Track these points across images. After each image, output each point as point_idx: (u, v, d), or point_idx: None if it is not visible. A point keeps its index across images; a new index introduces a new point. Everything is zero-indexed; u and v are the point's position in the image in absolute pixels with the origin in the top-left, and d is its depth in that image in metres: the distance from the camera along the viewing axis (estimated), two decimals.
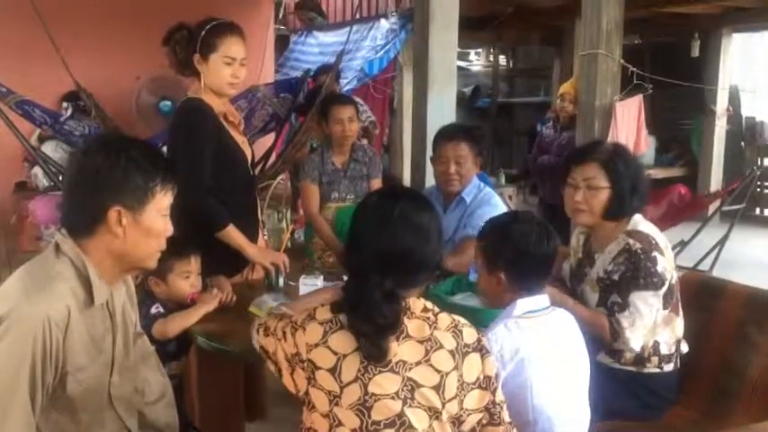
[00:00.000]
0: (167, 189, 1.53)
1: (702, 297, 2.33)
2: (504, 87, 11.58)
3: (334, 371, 1.34)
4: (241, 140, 2.56)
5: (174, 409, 1.78)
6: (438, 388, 1.34)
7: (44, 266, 1.45)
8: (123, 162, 1.46)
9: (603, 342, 2.11)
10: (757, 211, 8.14)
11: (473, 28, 7.47)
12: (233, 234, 2.40)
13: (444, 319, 1.42)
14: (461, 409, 1.38)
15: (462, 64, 10.94)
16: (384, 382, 1.33)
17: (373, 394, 1.32)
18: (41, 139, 4.65)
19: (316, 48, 7.39)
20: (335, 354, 1.35)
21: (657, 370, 2.13)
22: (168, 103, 4.87)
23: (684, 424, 2.15)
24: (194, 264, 2.26)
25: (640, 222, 2.16)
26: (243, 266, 2.60)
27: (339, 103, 3.42)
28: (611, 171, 2.12)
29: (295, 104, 4.75)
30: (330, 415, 1.35)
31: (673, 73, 5.64)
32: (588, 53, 3.89)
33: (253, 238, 2.53)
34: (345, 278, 1.54)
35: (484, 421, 1.42)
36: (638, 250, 2.06)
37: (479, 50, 12.19)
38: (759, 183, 7.51)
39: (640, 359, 2.11)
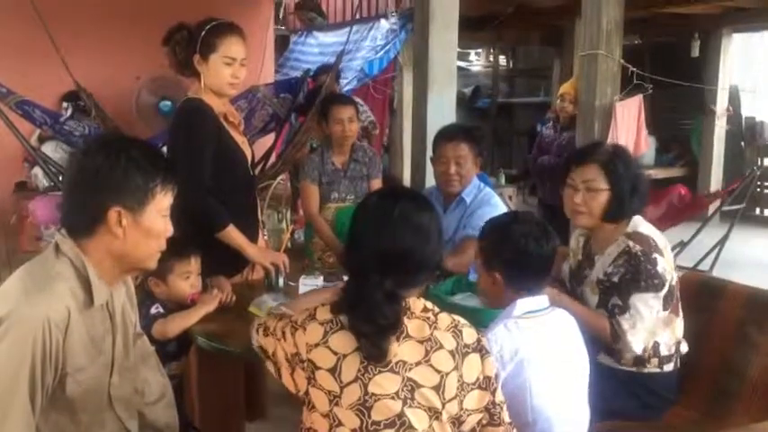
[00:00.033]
0: (167, 189, 1.53)
1: (702, 297, 2.33)
2: (504, 87, 11.58)
3: (334, 371, 1.34)
4: (241, 141, 2.56)
5: (174, 409, 1.78)
6: (438, 388, 1.34)
7: (44, 267, 1.45)
8: (123, 162, 1.45)
9: (604, 343, 2.11)
10: (757, 211, 8.13)
11: (473, 28, 7.47)
12: (233, 234, 2.40)
13: (444, 319, 1.42)
14: (461, 409, 1.38)
15: (462, 64, 10.94)
16: (384, 383, 1.33)
17: (373, 394, 1.32)
18: (41, 140, 4.65)
19: (316, 48, 7.39)
20: (336, 354, 1.35)
21: (657, 370, 2.13)
22: (168, 103, 4.87)
23: (684, 424, 2.15)
24: (194, 264, 2.26)
25: (640, 224, 2.16)
26: (243, 267, 2.60)
27: (339, 104, 3.42)
28: (610, 173, 2.12)
29: (295, 105, 4.75)
30: (330, 415, 1.35)
31: (673, 73, 5.64)
32: (588, 53, 3.89)
33: (253, 238, 2.53)
34: (345, 278, 1.54)
35: (484, 422, 1.42)
36: (638, 252, 2.05)
37: (479, 50, 12.19)
38: (759, 183, 7.51)
39: (640, 360, 2.11)
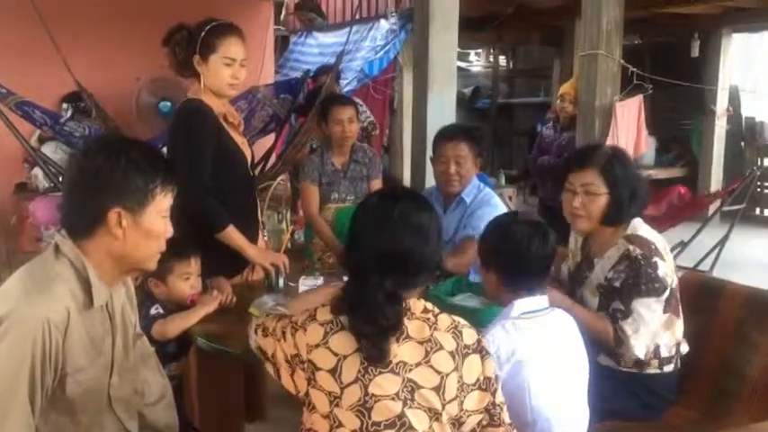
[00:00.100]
0: (167, 190, 1.53)
1: (702, 297, 2.33)
2: (504, 88, 11.58)
3: (334, 372, 1.34)
4: (241, 141, 2.56)
5: (174, 410, 1.78)
6: (438, 389, 1.34)
7: (44, 267, 1.45)
8: (123, 163, 1.46)
9: (607, 347, 2.10)
10: (757, 211, 8.13)
11: (473, 28, 7.47)
12: (233, 235, 2.40)
13: (444, 320, 1.42)
14: (461, 410, 1.38)
15: (462, 64, 10.95)
16: (384, 383, 1.33)
17: (373, 395, 1.32)
18: (41, 141, 4.65)
19: (315, 48, 7.39)
20: (336, 355, 1.35)
21: (658, 371, 2.13)
22: (168, 103, 4.87)
23: (684, 424, 2.15)
24: (194, 265, 2.26)
25: (640, 227, 2.15)
26: (243, 267, 2.60)
27: (339, 104, 3.42)
28: (609, 177, 2.11)
29: (295, 105, 4.75)
30: (330, 416, 1.35)
31: (673, 73, 5.65)
32: (588, 53, 3.90)
33: (253, 239, 2.53)
34: (345, 278, 1.54)
35: (484, 422, 1.42)
36: (639, 256, 2.05)
37: (479, 51, 12.19)
38: (759, 183, 7.51)
39: (641, 362, 2.10)
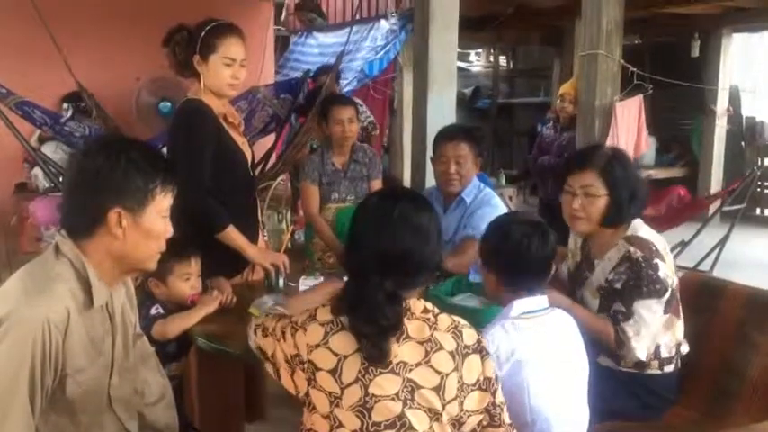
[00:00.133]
0: (167, 190, 1.53)
1: (703, 297, 2.33)
2: (504, 88, 11.58)
3: (334, 372, 1.34)
4: (241, 141, 2.56)
5: (174, 410, 1.78)
6: (438, 389, 1.34)
7: (44, 268, 1.45)
8: (123, 164, 1.46)
9: (608, 349, 2.10)
10: (758, 211, 8.13)
11: (473, 28, 7.47)
12: (233, 235, 2.40)
13: (444, 320, 1.42)
14: (461, 410, 1.38)
15: (462, 65, 10.95)
16: (384, 384, 1.33)
17: (374, 395, 1.32)
18: (41, 141, 4.65)
19: (316, 48, 7.39)
20: (336, 355, 1.35)
21: (658, 371, 2.13)
22: (168, 104, 4.87)
23: (684, 424, 2.15)
24: (194, 265, 2.26)
25: (640, 228, 2.15)
26: (243, 267, 2.60)
27: (339, 104, 3.42)
28: (608, 178, 2.10)
29: (295, 105, 4.75)
30: (331, 416, 1.35)
31: (673, 73, 5.65)
32: (588, 53, 3.90)
33: (253, 239, 2.53)
34: (345, 278, 1.54)
35: (484, 423, 1.42)
36: (640, 258, 2.04)
37: (479, 51, 12.19)
38: (759, 183, 7.51)
39: (641, 363, 2.10)
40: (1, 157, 4.57)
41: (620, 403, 2.08)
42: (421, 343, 1.36)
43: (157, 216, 1.51)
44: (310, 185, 3.37)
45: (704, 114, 8.03)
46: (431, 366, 1.35)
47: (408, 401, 1.33)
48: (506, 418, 1.45)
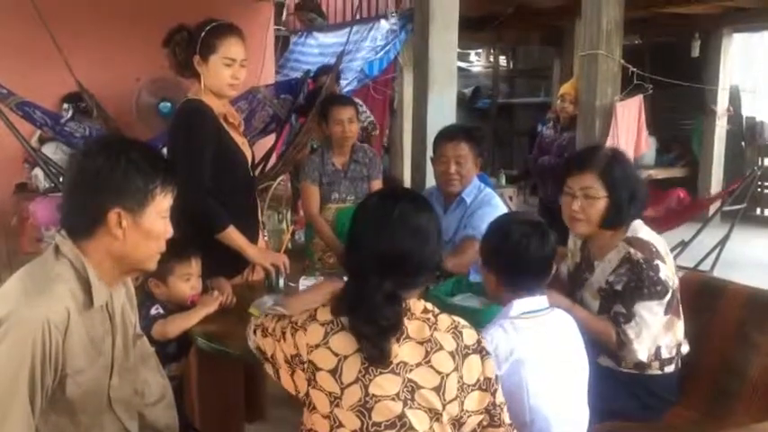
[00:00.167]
0: (167, 191, 1.53)
1: (703, 297, 2.33)
2: (504, 88, 11.58)
3: (334, 372, 1.34)
4: (241, 142, 2.56)
5: (174, 410, 1.79)
6: (438, 389, 1.34)
7: (44, 268, 1.45)
8: (123, 164, 1.46)
9: (610, 350, 2.10)
10: (758, 211, 8.12)
11: (473, 28, 7.47)
12: (233, 235, 2.40)
13: (444, 320, 1.42)
14: (462, 410, 1.38)
15: (462, 65, 10.94)
16: (385, 384, 1.33)
17: (374, 395, 1.32)
18: (42, 141, 4.66)
19: (316, 49, 7.39)
20: (336, 355, 1.35)
21: (659, 372, 2.13)
22: (168, 104, 4.88)
23: (685, 424, 2.14)
24: (195, 266, 2.26)
25: (640, 229, 2.14)
26: (243, 268, 2.60)
27: (339, 104, 3.42)
28: (608, 180, 2.09)
29: (295, 105, 4.76)
30: (331, 416, 1.35)
31: (673, 73, 5.65)
32: (588, 53, 3.89)
33: (253, 239, 2.53)
34: (346, 278, 1.54)
35: (484, 423, 1.42)
36: (640, 260, 2.04)
37: (479, 51, 12.19)
38: (760, 183, 7.50)
39: (642, 364, 2.10)
40: (1, 158, 4.57)
41: (621, 403, 2.08)
42: (421, 343, 1.36)
43: (157, 216, 1.51)
44: (310, 185, 3.37)
45: (704, 114, 8.03)
46: (431, 366, 1.35)
47: (408, 402, 1.33)
48: (506, 418, 1.45)
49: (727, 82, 7.93)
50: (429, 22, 4.57)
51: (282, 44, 7.65)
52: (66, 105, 4.76)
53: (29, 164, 4.71)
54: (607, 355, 2.12)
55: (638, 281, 2.03)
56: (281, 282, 2.45)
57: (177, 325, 2.14)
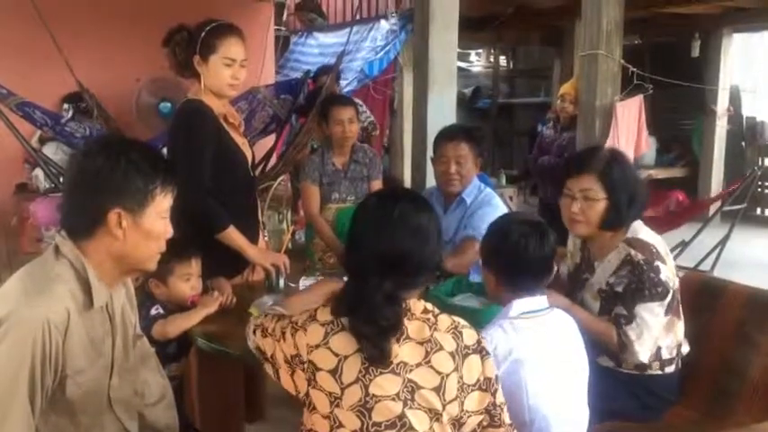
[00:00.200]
0: (167, 191, 1.53)
1: (703, 297, 2.33)
2: (504, 88, 11.57)
3: (335, 372, 1.34)
4: (241, 142, 2.56)
5: (174, 410, 1.79)
6: (438, 389, 1.34)
7: (44, 268, 1.45)
8: (123, 164, 1.46)
9: (611, 351, 2.10)
10: (758, 211, 8.12)
11: (473, 28, 7.47)
12: (233, 235, 2.40)
13: (444, 320, 1.42)
14: (462, 410, 1.38)
15: (463, 65, 10.94)
16: (385, 384, 1.33)
17: (374, 395, 1.32)
18: (42, 141, 4.66)
19: (316, 49, 7.39)
20: (336, 355, 1.35)
21: (659, 372, 2.12)
22: (168, 104, 4.88)
23: (685, 424, 2.14)
24: (195, 266, 2.26)
25: (640, 230, 2.14)
26: (243, 268, 2.60)
27: (339, 104, 3.42)
28: (607, 182, 2.09)
29: (295, 106, 4.76)
30: (331, 416, 1.35)
31: (673, 73, 5.64)
32: (588, 53, 3.89)
33: (253, 239, 2.53)
34: (346, 278, 1.54)
35: (484, 423, 1.42)
36: (641, 261, 2.04)
37: (480, 51, 12.19)
38: (760, 183, 7.50)
39: (642, 364, 2.10)
40: (2, 158, 4.57)
41: (621, 403, 2.08)
42: (421, 343, 1.36)
43: (157, 217, 1.51)
44: (311, 186, 3.37)
45: (705, 114, 8.03)
46: (431, 367, 1.35)
47: (409, 402, 1.33)
48: (507, 418, 1.45)
49: (727, 82, 7.93)
50: (429, 22, 4.57)
51: (283, 44, 7.64)
52: (66, 105, 4.76)
53: (29, 164, 4.71)
54: (607, 355, 2.12)
55: (638, 282, 2.03)
56: (282, 282, 2.45)
57: (177, 325, 2.14)
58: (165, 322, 2.15)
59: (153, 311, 2.19)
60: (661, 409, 2.16)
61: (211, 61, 2.39)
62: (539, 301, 1.77)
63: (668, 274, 2.06)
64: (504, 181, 7.11)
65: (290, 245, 2.89)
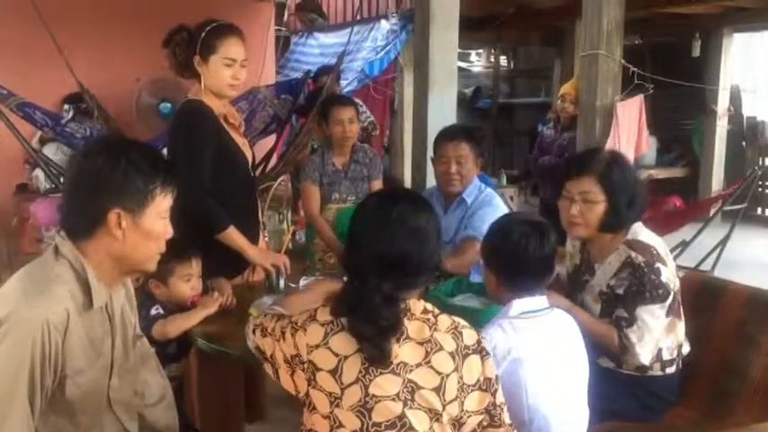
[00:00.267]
0: (167, 191, 1.53)
1: (704, 297, 2.33)
2: (504, 88, 11.57)
3: (335, 372, 1.34)
4: (242, 142, 2.56)
5: (175, 410, 1.78)
6: (438, 390, 1.34)
7: (43, 269, 1.45)
8: (123, 164, 1.46)
9: (612, 354, 2.09)
10: (759, 211, 8.12)
11: (473, 28, 7.47)
12: (233, 236, 2.40)
13: (444, 320, 1.42)
14: (462, 410, 1.37)
15: (463, 65, 10.94)
16: (385, 384, 1.33)
17: (374, 396, 1.32)
18: (42, 142, 4.66)
19: (316, 49, 7.39)
20: (336, 355, 1.35)
21: (660, 373, 2.12)
22: (168, 104, 4.88)
23: (685, 424, 2.14)
24: (195, 266, 2.26)
25: (640, 231, 2.13)
26: (243, 268, 2.59)
27: (339, 104, 3.42)
28: (607, 184, 2.08)
29: (296, 106, 4.76)
30: (331, 416, 1.35)
31: (673, 73, 5.64)
32: (589, 53, 3.89)
33: (253, 239, 2.53)
34: (345, 278, 1.54)
35: (484, 423, 1.42)
36: (642, 263, 2.03)
37: (480, 51, 12.19)
38: (760, 183, 7.50)
39: (643, 366, 2.09)
40: (2, 159, 4.57)
41: (621, 404, 2.08)
42: (421, 344, 1.36)
43: (157, 217, 1.51)
44: (311, 186, 3.37)
45: (705, 114, 8.02)
46: (431, 367, 1.35)
47: (408, 402, 1.33)
48: (507, 418, 1.45)
49: (727, 82, 7.93)
50: (429, 22, 4.57)
51: (283, 44, 7.64)
52: (66, 106, 4.76)
53: (29, 165, 4.71)
54: (607, 356, 2.11)
55: (639, 285, 2.03)
56: (282, 282, 2.45)
57: (177, 325, 2.14)
58: (165, 322, 2.14)
59: (153, 312, 2.19)
60: (661, 410, 2.16)
61: (212, 61, 2.39)
62: (539, 301, 1.77)
63: (669, 275, 2.06)
64: (504, 181, 7.11)
65: (290, 245, 2.89)
